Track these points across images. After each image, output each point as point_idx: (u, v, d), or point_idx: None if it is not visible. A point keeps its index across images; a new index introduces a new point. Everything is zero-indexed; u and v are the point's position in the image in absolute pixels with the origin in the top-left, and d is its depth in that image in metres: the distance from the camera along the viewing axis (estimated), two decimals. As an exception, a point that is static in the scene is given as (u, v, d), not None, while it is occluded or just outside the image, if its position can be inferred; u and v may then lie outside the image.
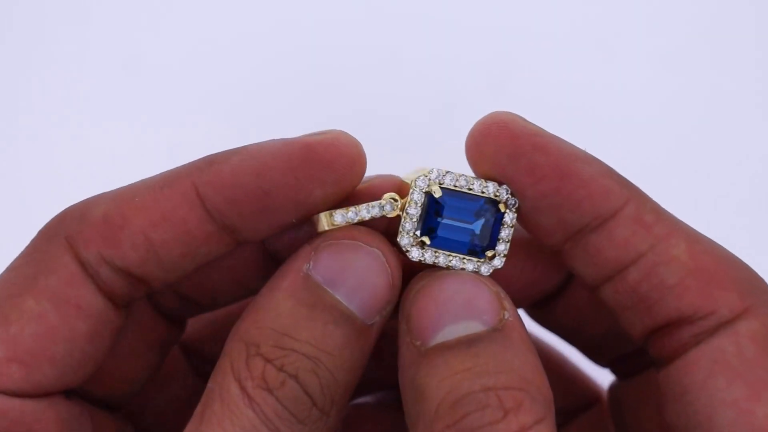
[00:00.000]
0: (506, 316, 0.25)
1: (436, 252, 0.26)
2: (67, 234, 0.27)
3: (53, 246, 0.27)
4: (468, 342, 0.24)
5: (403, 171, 0.29)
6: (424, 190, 0.26)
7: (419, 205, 0.26)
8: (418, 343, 0.25)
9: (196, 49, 0.55)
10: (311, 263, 0.25)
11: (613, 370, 0.34)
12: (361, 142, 0.26)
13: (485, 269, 0.27)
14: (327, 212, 0.26)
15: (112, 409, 0.31)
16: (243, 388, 0.24)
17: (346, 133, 0.26)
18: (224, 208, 0.26)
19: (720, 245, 0.26)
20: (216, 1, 0.57)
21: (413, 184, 0.26)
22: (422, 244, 0.26)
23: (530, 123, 0.26)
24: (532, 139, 0.25)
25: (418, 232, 0.26)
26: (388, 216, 0.26)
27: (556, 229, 0.26)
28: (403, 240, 0.26)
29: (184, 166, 0.27)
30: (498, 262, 0.27)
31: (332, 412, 0.25)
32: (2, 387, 0.26)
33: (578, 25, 0.56)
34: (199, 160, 0.27)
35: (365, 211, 0.26)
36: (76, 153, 0.53)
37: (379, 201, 0.26)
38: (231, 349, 0.25)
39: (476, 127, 0.26)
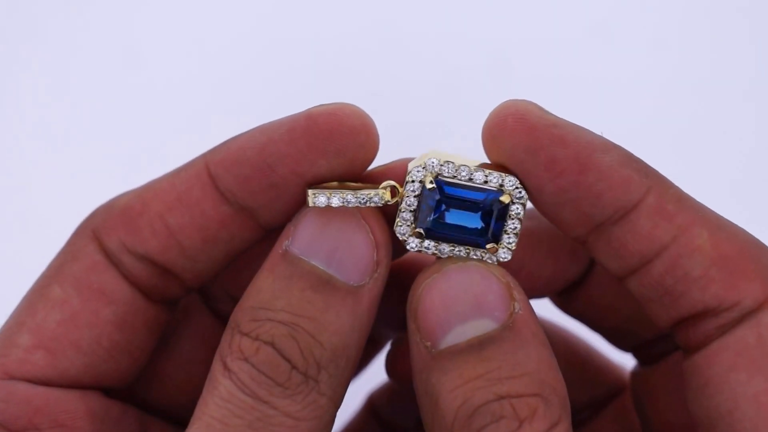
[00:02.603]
0: (517, 309, 0.24)
1: (437, 243, 0.26)
2: (94, 226, 0.27)
3: (80, 239, 0.27)
4: (479, 344, 0.24)
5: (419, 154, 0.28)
6: (419, 180, 0.25)
7: (416, 194, 0.25)
8: (428, 344, 0.24)
9: (201, 45, 0.55)
10: (290, 239, 0.25)
11: (636, 356, 0.33)
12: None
13: (490, 261, 0.26)
14: (313, 190, 0.25)
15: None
16: (224, 364, 0.24)
17: (351, 104, 0.25)
18: (234, 186, 0.26)
19: (743, 230, 0.25)
20: None
21: (409, 173, 0.25)
22: (420, 235, 0.26)
23: (547, 112, 0.25)
24: (550, 131, 0.24)
25: (412, 222, 0.25)
26: (382, 203, 0.25)
27: (578, 222, 0.25)
28: (399, 230, 0.25)
29: (203, 152, 0.27)
30: (504, 255, 0.26)
31: (322, 377, 0.24)
32: (27, 374, 0.26)
33: (584, 8, 0.56)
34: (217, 144, 0.27)
35: (352, 198, 0.25)
36: (83, 155, 0.53)
37: (367, 193, 0.25)
38: (222, 338, 0.25)
39: (491, 118, 0.25)
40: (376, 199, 0.25)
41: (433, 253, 0.26)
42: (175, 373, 0.30)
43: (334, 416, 0.25)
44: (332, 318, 0.24)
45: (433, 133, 0.51)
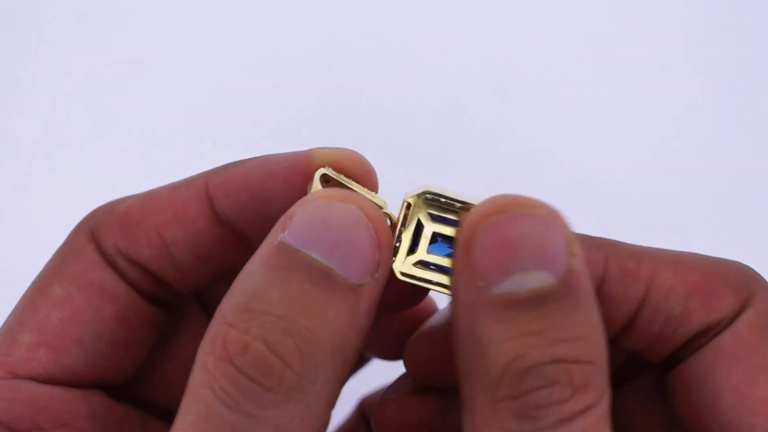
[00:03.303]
0: (575, 265, 0.22)
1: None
2: (92, 226, 0.28)
3: (79, 237, 0.28)
4: (538, 299, 0.22)
5: (407, 176, 0.28)
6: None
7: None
8: (481, 284, 0.22)
9: (207, 53, 0.55)
10: (286, 231, 0.23)
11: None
12: (371, 150, 0.26)
13: None
14: (323, 169, 0.25)
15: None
16: (204, 366, 0.22)
17: (353, 151, 0.26)
18: (229, 212, 0.27)
19: (700, 255, 0.27)
20: (225, 5, 0.57)
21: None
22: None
23: None
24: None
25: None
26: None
27: None
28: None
29: (206, 171, 0.28)
30: None
31: (318, 379, 0.22)
32: (31, 372, 0.26)
33: (583, 26, 0.57)
34: (221, 165, 0.27)
35: (358, 188, 0.25)
36: (88, 157, 0.53)
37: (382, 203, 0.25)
38: (207, 330, 0.23)
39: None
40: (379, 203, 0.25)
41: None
42: (173, 374, 0.30)
43: (327, 426, 0.24)
44: (332, 314, 0.22)
45: (432, 158, 0.52)
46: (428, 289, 0.26)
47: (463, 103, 0.54)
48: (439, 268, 0.25)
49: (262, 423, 0.21)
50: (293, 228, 0.23)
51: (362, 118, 0.53)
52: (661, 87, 0.55)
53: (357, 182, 0.26)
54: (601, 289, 0.26)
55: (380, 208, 0.25)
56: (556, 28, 0.56)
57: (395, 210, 0.26)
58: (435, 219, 0.25)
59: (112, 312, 0.27)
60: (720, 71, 0.55)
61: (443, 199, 0.25)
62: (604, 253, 0.26)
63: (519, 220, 0.22)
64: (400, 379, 0.33)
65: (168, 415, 0.30)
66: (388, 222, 0.25)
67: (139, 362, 0.29)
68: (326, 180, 0.25)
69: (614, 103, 0.55)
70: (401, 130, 0.53)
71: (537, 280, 0.22)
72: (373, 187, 0.26)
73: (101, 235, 0.27)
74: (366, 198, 0.24)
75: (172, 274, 0.27)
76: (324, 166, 0.25)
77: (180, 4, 0.57)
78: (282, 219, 0.24)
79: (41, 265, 0.28)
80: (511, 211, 0.23)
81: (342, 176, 0.25)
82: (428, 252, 0.25)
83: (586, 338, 0.22)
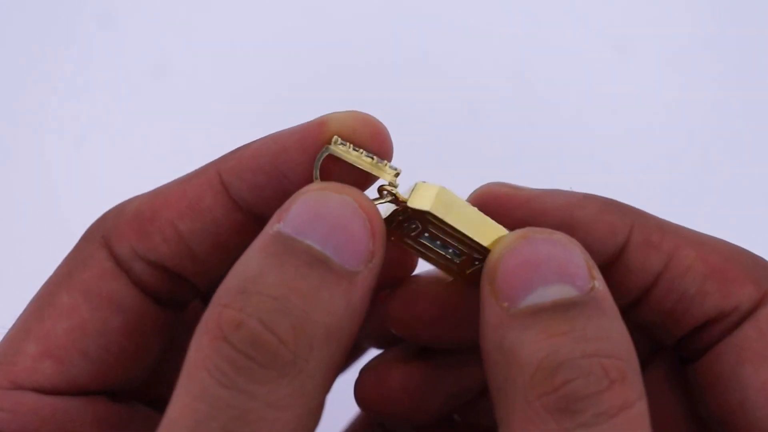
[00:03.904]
0: (597, 285, 0.23)
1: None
2: (104, 232, 0.27)
3: (90, 244, 0.27)
4: (564, 306, 0.22)
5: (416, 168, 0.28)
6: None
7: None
8: (506, 305, 0.23)
9: (225, 54, 0.56)
10: (282, 222, 0.23)
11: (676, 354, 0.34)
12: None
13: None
14: (340, 144, 0.25)
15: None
16: (199, 346, 0.21)
17: (364, 113, 0.25)
18: (247, 194, 0.26)
19: (723, 241, 0.27)
20: (242, 7, 0.56)
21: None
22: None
23: (519, 188, 0.26)
24: (528, 206, 0.26)
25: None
26: (387, 190, 0.25)
27: None
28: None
29: (214, 160, 0.27)
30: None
31: (312, 359, 0.22)
32: (36, 383, 0.26)
33: (597, 25, 0.56)
34: (229, 152, 0.27)
35: (367, 162, 0.25)
36: (109, 159, 0.53)
37: (389, 176, 0.25)
38: (203, 315, 0.23)
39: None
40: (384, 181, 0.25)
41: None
42: (178, 372, 0.30)
43: (321, 409, 0.23)
44: (327, 297, 0.22)
45: (444, 150, 0.52)
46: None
47: (476, 95, 0.54)
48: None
49: (256, 398, 0.21)
50: (289, 219, 0.23)
51: (373, 104, 0.53)
52: (678, 81, 0.55)
53: (367, 151, 0.25)
54: (621, 257, 0.26)
55: (396, 174, 0.25)
56: (569, 20, 0.56)
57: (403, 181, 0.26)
58: (431, 235, 0.26)
59: (121, 323, 0.26)
60: (739, 62, 0.55)
61: (447, 228, 0.25)
62: (630, 220, 0.26)
63: (538, 243, 0.23)
64: (385, 352, 0.32)
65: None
66: (394, 198, 0.25)
67: (147, 370, 0.28)
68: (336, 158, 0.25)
69: (629, 97, 0.54)
70: (417, 122, 0.53)
71: (560, 292, 0.22)
72: (387, 150, 0.25)
73: (114, 240, 0.26)
74: (358, 191, 0.24)
75: (191, 269, 0.27)
76: (332, 140, 0.25)
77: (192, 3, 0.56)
78: (278, 212, 0.24)
79: (50, 270, 0.27)
80: (531, 236, 0.23)
81: (350, 149, 0.25)
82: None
83: (614, 340, 0.22)
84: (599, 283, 0.23)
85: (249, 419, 0.21)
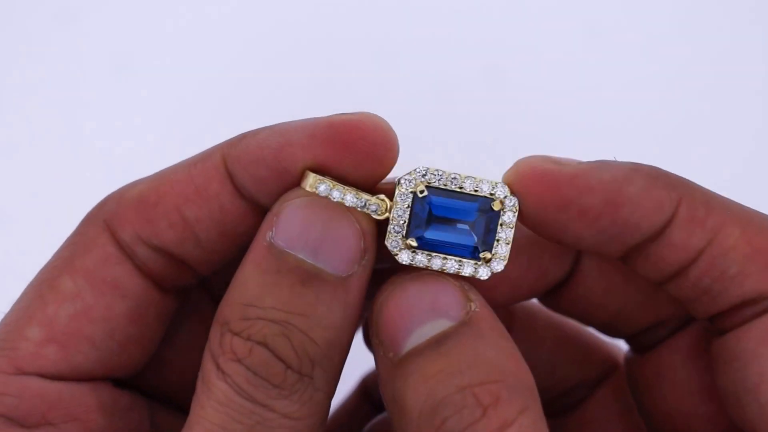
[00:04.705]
0: (473, 308, 0.24)
1: (429, 254, 0.25)
2: (106, 216, 0.26)
3: (92, 228, 0.27)
4: (437, 341, 0.23)
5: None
6: (410, 190, 0.25)
7: (406, 206, 0.25)
8: (391, 355, 0.24)
9: (195, 47, 0.55)
10: (273, 230, 0.24)
11: (629, 343, 0.34)
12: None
13: (483, 272, 0.25)
14: (317, 176, 0.25)
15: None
16: (217, 365, 0.24)
17: (375, 115, 0.25)
18: (249, 185, 0.26)
19: None
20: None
21: (398, 184, 0.25)
22: (412, 247, 0.25)
23: (562, 162, 0.25)
24: (574, 182, 0.25)
25: (403, 234, 0.25)
26: (374, 217, 0.25)
27: (616, 249, 0.26)
28: (390, 243, 0.25)
29: (219, 143, 0.26)
30: (497, 266, 0.25)
31: (316, 373, 0.24)
32: (40, 369, 0.25)
33: (578, 12, 0.56)
34: (235, 136, 0.26)
35: (352, 197, 0.25)
36: (79, 153, 0.53)
37: (367, 198, 0.25)
38: (210, 333, 0.24)
39: (511, 182, 0.25)
40: (373, 207, 0.25)
41: (426, 266, 0.25)
42: (178, 360, 0.30)
43: (329, 408, 0.25)
44: (324, 312, 0.24)
45: (428, 143, 0.51)
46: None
47: (453, 85, 0.54)
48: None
49: (272, 410, 0.24)
50: (280, 228, 0.24)
51: (362, 98, 0.53)
52: (657, 71, 0.54)
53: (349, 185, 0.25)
54: (664, 232, 0.25)
55: (380, 207, 0.25)
56: (550, 11, 0.56)
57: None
58: None
59: (125, 308, 0.26)
60: (720, 51, 0.55)
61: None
62: (678, 194, 0.25)
63: (409, 286, 0.25)
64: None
65: (173, 401, 0.30)
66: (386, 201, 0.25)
67: (149, 355, 0.28)
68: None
69: (608, 87, 0.54)
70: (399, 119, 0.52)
71: (435, 327, 0.24)
72: (393, 155, 0.25)
73: (117, 225, 0.26)
74: (346, 188, 0.25)
75: (196, 255, 0.27)
76: (308, 182, 0.25)
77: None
78: (269, 216, 0.25)
79: (47, 255, 0.27)
80: (399, 282, 0.25)
81: (331, 191, 0.25)
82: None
83: (490, 362, 0.23)
84: (476, 304, 0.24)
85: (270, 425, 0.24)
